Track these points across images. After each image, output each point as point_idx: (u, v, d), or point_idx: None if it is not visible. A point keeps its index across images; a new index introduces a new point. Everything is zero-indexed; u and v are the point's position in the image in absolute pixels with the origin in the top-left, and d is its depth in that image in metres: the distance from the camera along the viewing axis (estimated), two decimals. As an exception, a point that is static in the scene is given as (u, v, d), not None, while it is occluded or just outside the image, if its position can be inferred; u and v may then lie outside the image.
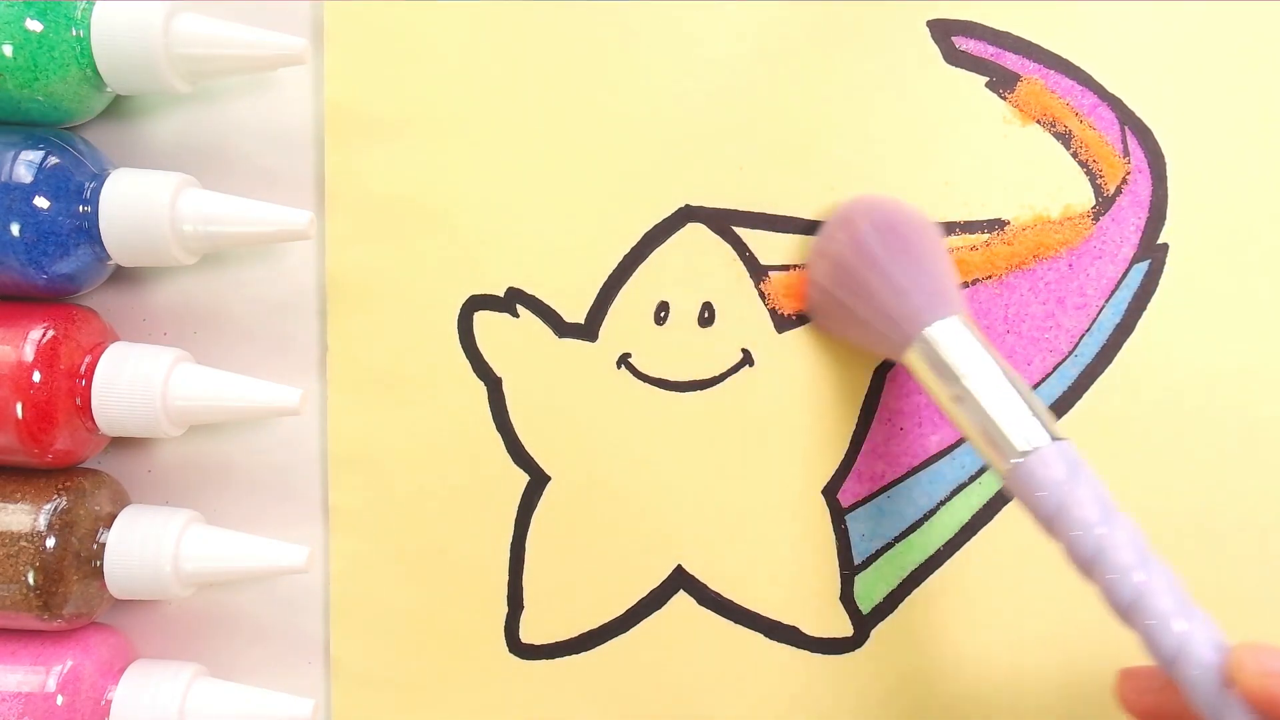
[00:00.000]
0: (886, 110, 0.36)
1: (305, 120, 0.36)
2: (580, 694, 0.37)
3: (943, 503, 0.36)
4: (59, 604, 0.33)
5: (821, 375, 0.36)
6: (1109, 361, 0.36)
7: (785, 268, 0.36)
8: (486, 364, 0.36)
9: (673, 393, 0.36)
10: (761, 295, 0.36)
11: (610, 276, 0.36)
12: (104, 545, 0.34)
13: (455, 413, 0.36)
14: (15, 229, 0.32)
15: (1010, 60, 0.36)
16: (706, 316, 0.36)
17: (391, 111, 0.36)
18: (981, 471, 0.36)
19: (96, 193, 0.33)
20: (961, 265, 0.36)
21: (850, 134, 0.36)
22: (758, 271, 0.36)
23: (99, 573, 0.33)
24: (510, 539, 0.36)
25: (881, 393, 0.36)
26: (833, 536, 0.36)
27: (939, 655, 0.36)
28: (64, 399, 0.33)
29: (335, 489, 0.36)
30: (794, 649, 0.37)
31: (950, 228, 0.36)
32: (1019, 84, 0.36)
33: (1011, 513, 0.36)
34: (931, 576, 0.37)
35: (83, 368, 0.33)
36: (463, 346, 0.36)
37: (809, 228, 0.36)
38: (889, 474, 0.36)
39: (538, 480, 0.36)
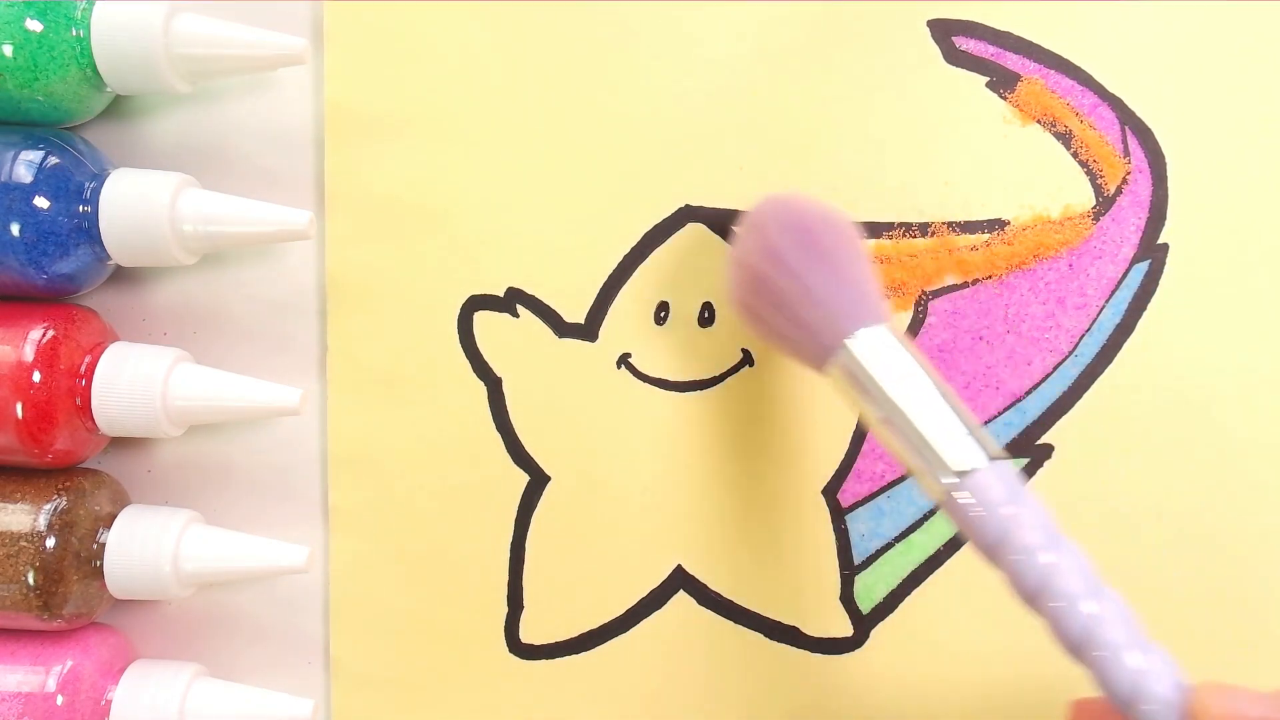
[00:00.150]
0: (886, 110, 0.36)
1: (305, 120, 0.36)
2: (580, 694, 0.37)
3: (943, 503, 0.36)
4: (59, 604, 0.33)
5: (821, 375, 0.36)
6: (1109, 361, 0.36)
7: (785, 268, 0.36)
8: (486, 364, 0.36)
9: (673, 393, 0.36)
10: (761, 295, 0.36)
11: (610, 276, 0.36)
12: (104, 545, 0.34)
13: (455, 413, 0.36)
14: (15, 229, 0.32)
15: (1010, 60, 0.36)
16: (706, 316, 0.36)
17: (391, 111, 0.36)
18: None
19: (96, 193, 0.33)
20: (961, 265, 0.36)
21: (850, 134, 0.36)
22: (758, 271, 0.36)
23: (99, 573, 0.33)
24: (510, 539, 0.36)
25: (881, 393, 0.36)
26: (833, 536, 0.36)
27: (939, 655, 0.36)
28: (64, 399, 0.33)
29: (335, 489, 0.36)
30: (794, 649, 0.37)
31: (950, 228, 0.36)
32: (1019, 84, 0.36)
33: (1011, 513, 0.36)
34: (931, 576, 0.36)
35: (83, 368, 0.33)
36: (463, 346, 0.36)
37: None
38: (889, 474, 0.36)
39: (538, 480, 0.36)
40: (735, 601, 0.36)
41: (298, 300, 0.36)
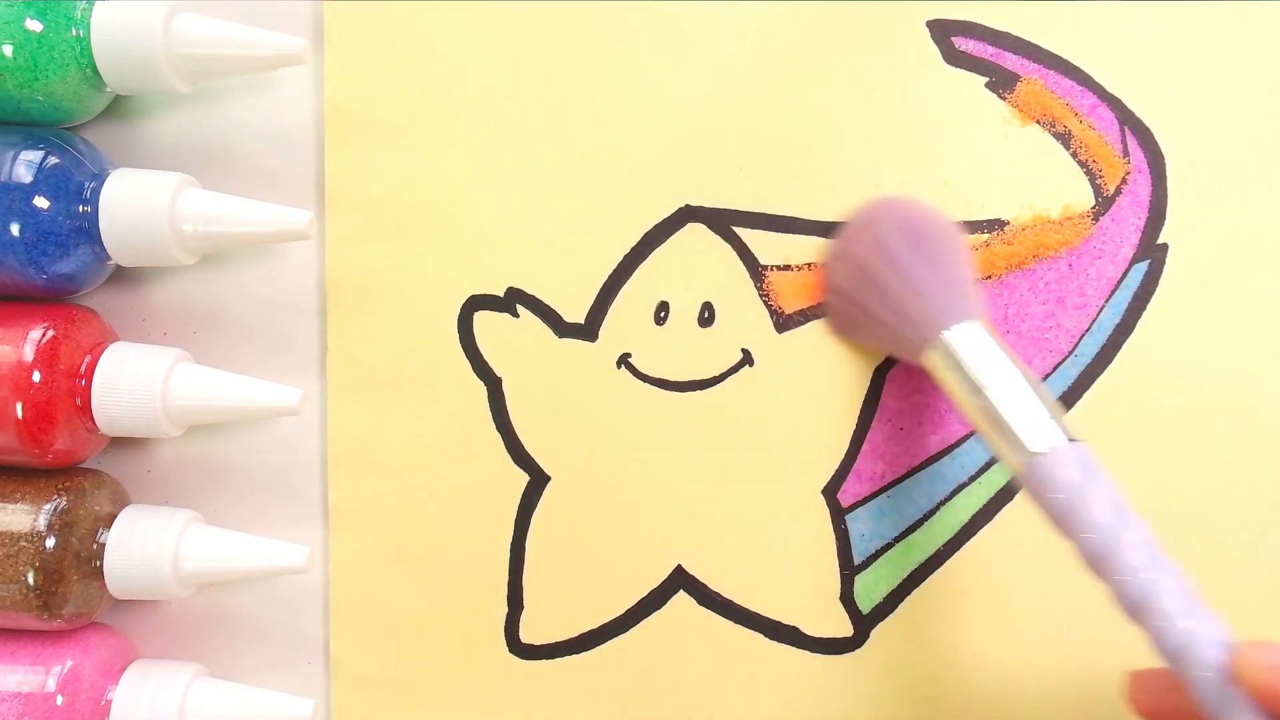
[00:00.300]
0: (886, 110, 0.36)
1: (305, 120, 0.36)
2: (580, 694, 0.37)
3: (943, 503, 0.36)
4: (59, 604, 0.33)
5: (821, 375, 0.36)
6: (1109, 361, 0.36)
7: (785, 268, 0.36)
8: (486, 364, 0.36)
9: (673, 393, 0.36)
10: (761, 295, 0.36)
11: (610, 276, 0.36)
12: (104, 545, 0.34)
13: (455, 413, 0.36)
14: (15, 229, 0.32)
15: (1010, 60, 0.36)
16: (706, 316, 0.36)
17: (391, 111, 0.36)
18: (982, 471, 0.36)
19: (96, 193, 0.33)
20: (961, 265, 0.36)
21: (850, 134, 0.36)
22: (758, 271, 0.36)
23: (99, 573, 0.33)
24: (510, 539, 0.36)
25: (881, 393, 0.36)
26: (833, 536, 0.36)
27: (939, 655, 0.36)
28: (64, 399, 0.33)
29: (335, 489, 0.36)
30: (794, 649, 0.37)
31: (950, 228, 0.36)
32: (1019, 84, 0.36)
33: (1012, 513, 0.36)
34: (931, 576, 0.36)
35: (83, 368, 0.33)
36: (463, 346, 0.36)
37: (809, 228, 0.36)
38: (889, 474, 0.36)
39: (538, 480, 0.36)
40: (735, 601, 0.37)
41: (298, 300, 0.36)
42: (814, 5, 0.36)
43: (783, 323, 0.36)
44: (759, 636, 0.37)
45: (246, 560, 0.34)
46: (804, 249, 0.36)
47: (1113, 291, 0.36)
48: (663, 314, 0.36)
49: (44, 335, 0.32)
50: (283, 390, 0.34)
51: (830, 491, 0.36)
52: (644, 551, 0.36)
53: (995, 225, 0.36)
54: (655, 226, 0.36)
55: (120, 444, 0.36)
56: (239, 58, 0.33)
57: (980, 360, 0.32)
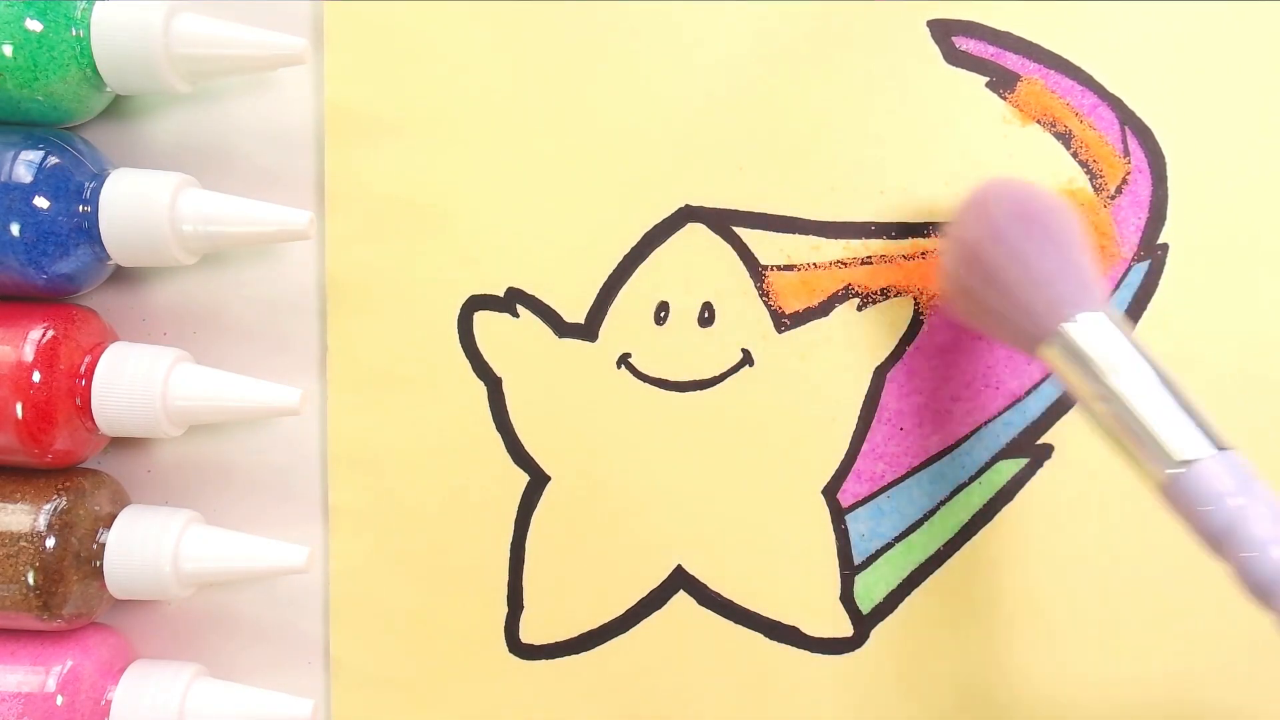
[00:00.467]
0: (886, 110, 0.36)
1: (305, 120, 0.36)
2: (580, 694, 0.37)
3: (943, 503, 0.36)
4: (59, 604, 0.33)
5: (821, 375, 0.36)
6: (1109, 361, 0.36)
7: (785, 268, 0.36)
8: (486, 364, 0.36)
9: (673, 393, 0.36)
10: (761, 295, 0.36)
11: (610, 276, 0.36)
12: (104, 545, 0.34)
13: (455, 413, 0.36)
14: (15, 229, 0.32)
15: (1010, 60, 0.36)
16: (706, 316, 0.36)
17: (391, 111, 0.36)
18: (982, 471, 0.36)
19: (96, 193, 0.33)
20: (962, 265, 0.36)
21: (850, 134, 0.36)
22: (758, 271, 0.36)
23: (99, 573, 0.33)
24: (510, 539, 0.36)
25: (881, 393, 0.36)
26: (833, 536, 0.36)
27: (939, 655, 0.36)
28: (64, 399, 0.33)
29: (335, 489, 0.36)
30: (794, 649, 0.37)
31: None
32: (1019, 84, 0.36)
33: (1012, 512, 0.36)
34: (931, 576, 0.36)
35: (83, 368, 0.33)
36: (463, 346, 0.36)
37: (809, 228, 0.36)
38: (889, 474, 0.36)
39: (538, 480, 0.36)
40: (735, 601, 0.36)
41: (298, 300, 0.36)
42: (814, 5, 0.36)
43: (783, 323, 0.36)
44: (759, 636, 0.37)
45: (246, 560, 0.34)
46: (804, 249, 0.36)
47: (1113, 291, 0.36)
48: (663, 314, 0.36)
49: (44, 335, 0.32)
50: (283, 390, 0.34)
51: (830, 491, 0.36)
52: (644, 551, 0.36)
53: (995, 225, 0.36)
54: (655, 226, 0.36)
55: (120, 444, 0.36)
56: (239, 58, 0.33)
57: (1108, 353, 0.29)
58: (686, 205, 0.36)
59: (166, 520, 0.34)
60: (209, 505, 0.36)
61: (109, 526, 0.34)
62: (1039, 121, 0.36)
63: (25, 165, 0.32)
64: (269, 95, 0.36)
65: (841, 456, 0.36)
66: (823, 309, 0.36)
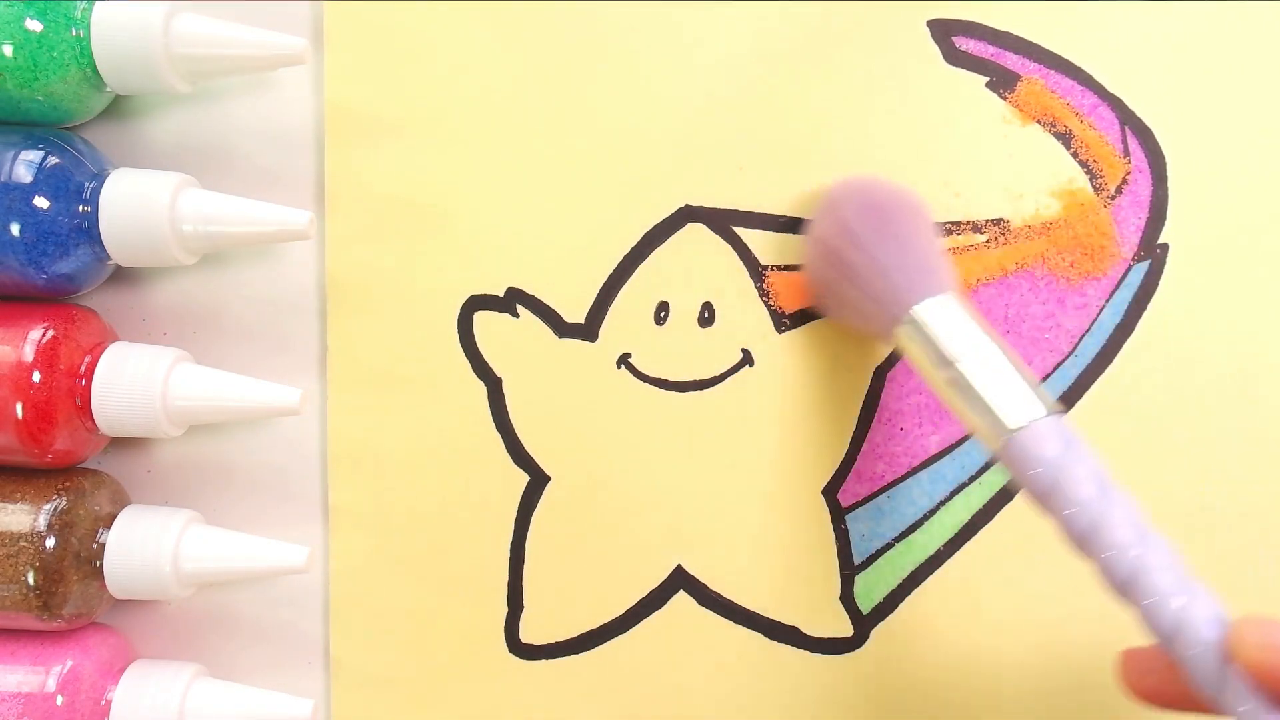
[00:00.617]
0: (886, 110, 0.36)
1: (305, 120, 0.36)
2: (580, 694, 0.37)
3: (943, 503, 0.36)
4: (59, 604, 0.33)
5: (821, 375, 0.36)
6: (1109, 361, 0.36)
7: (785, 268, 0.36)
8: (486, 364, 0.36)
9: (673, 393, 0.36)
10: (761, 295, 0.36)
11: (610, 276, 0.36)
12: (104, 545, 0.34)
13: (455, 413, 0.36)
14: (15, 229, 0.32)
15: (1010, 60, 0.36)
16: (706, 316, 0.36)
17: (391, 111, 0.36)
18: (982, 471, 0.36)
19: (96, 193, 0.33)
20: (961, 265, 0.36)
21: (850, 134, 0.36)
22: (758, 271, 0.36)
23: (99, 573, 0.33)
24: (510, 539, 0.36)
25: (881, 393, 0.36)
26: (833, 536, 0.36)
27: (939, 655, 0.36)
28: (64, 399, 0.33)
29: (335, 489, 0.36)
30: (794, 649, 0.37)
31: (950, 228, 0.36)
32: (1019, 84, 0.36)
33: (1011, 513, 0.36)
34: (931, 576, 0.36)
35: (83, 368, 0.33)
36: (463, 346, 0.36)
37: (809, 227, 0.36)
38: (889, 474, 0.36)
39: (538, 480, 0.36)
40: (735, 601, 0.36)
41: (298, 300, 0.36)
42: (814, 5, 0.36)
43: (783, 323, 0.36)
44: (759, 636, 0.37)
45: (246, 560, 0.34)
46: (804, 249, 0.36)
47: (1113, 291, 0.36)
48: (663, 314, 0.36)
49: (44, 335, 0.32)
50: (283, 390, 0.34)
51: (830, 491, 0.36)
52: (644, 551, 0.36)
53: (996, 225, 0.36)
54: (655, 226, 0.36)
55: (120, 444, 0.36)
56: (239, 58, 0.33)
57: (951, 334, 0.31)
58: (686, 205, 0.36)
59: (166, 520, 0.34)
60: (209, 505, 0.36)
61: (109, 526, 0.34)
62: (1039, 121, 0.36)
63: (25, 165, 0.32)
64: (269, 95, 0.36)
65: (841, 456, 0.36)
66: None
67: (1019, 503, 0.36)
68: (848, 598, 0.37)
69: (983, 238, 0.36)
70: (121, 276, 0.36)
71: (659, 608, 0.37)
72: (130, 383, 0.33)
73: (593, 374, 0.36)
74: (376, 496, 0.36)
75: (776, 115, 0.36)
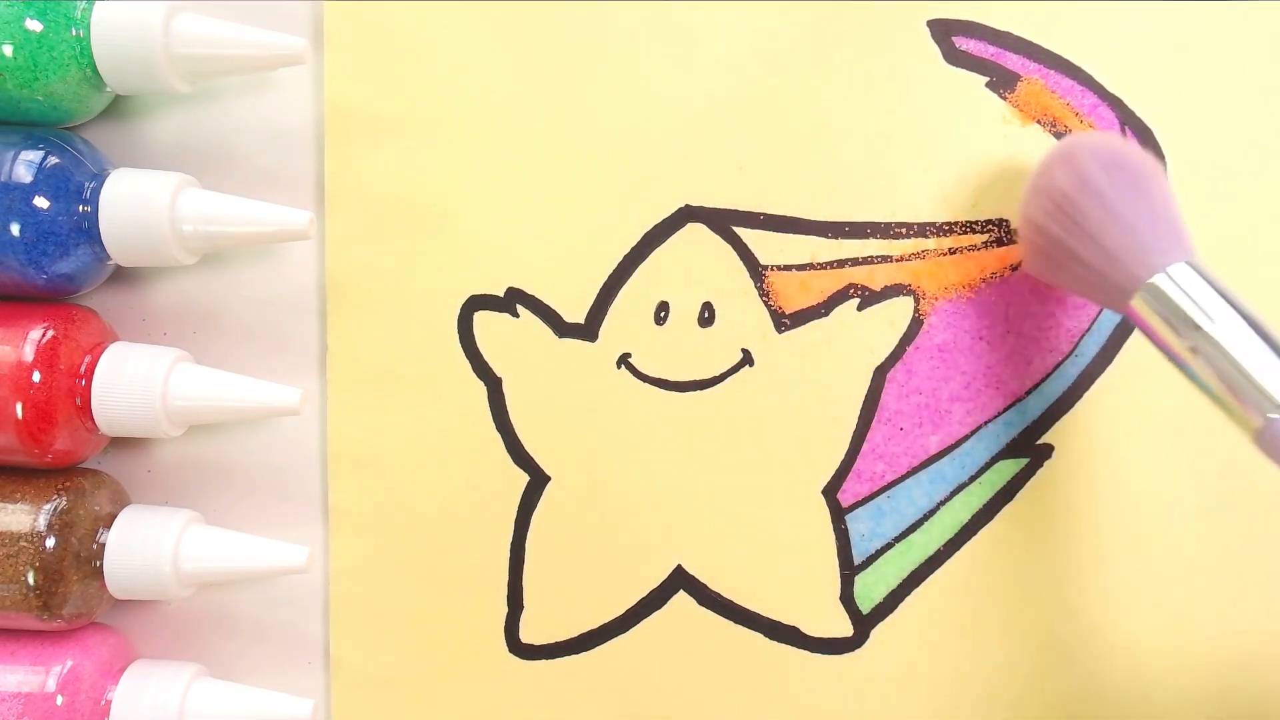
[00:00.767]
0: (886, 110, 0.36)
1: (305, 120, 0.36)
2: (580, 694, 0.37)
3: (943, 503, 0.36)
4: (59, 604, 0.33)
5: (821, 375, 0.36)
6: (1109, 361, 0.36)
7: (785, 268, 0.36)
8: (486, 364, 0.36)
9: (673, 393, 0.36)
10: (761, 295, 0.36)
11: (610, 276, 0.36)
12: (104, 545, 0.34)
13: (455, 413, 0.36)
14: (15, 229, 0.32)
15: (1010, 60, 0.36)
16: (706, 316, 0.36)
17: (391, 111, 0.36)
18: (982, 471, 0.36)
19: (96, 193, 0.33)
20: (962, 265, 0.36)
21: (850, 134, 0.36)
22: (758, 271, 0.36)
23: (99, 573, 0.33)
24: (510, 539, 0.36)
25: (881, 393, 0.36)
26: (833, 536, 0.36)
27: (939, 655, 0.36)
28: (64, 399, 0.33)
29: (335, 489, 0.36)
30: (794, 649, 0.37)
31: (950, 228, 0.36)
32: (1019, 84, 0.36)
33: (1012, 513, 0.36)
34: (931, 576, 0.36)
35: (83, 368, 0.33)
36: (463, 346, 0.36)
37: (809, 228, 0.36)
38: (889, 474, 0.36)
39: (538, 480, 0.36)
40: (735, 601, 0.36)
41: (298, 300, 0.36)
42: (814, 5, 0.36)
43: (783, 323, 0.36)
44: (759, 636, 0.37)
45: (246, 560, 0.34)
46: (804, 249, 0.36)
47: (1113, 291, 0.36)
48: (663, 314, 0.36)
49: (44, 335, 0.32)
50: (283, 390, 0.34)
51: (830, 491, 0.36)
52: (644, 551, 0.36)
53: (995, 225, 0.36)
54: (655, 226, 0.36)
55: (120, 444, 0.36)
56: (239, 58, 0.33)
57: (1201, 302, 0.29)
58: (686, 205, 0.36)
59: (166, 520, 0.34)
60: (209, 505, 0.36)
61: (109, 526, 0.34)
62: (1039, 121, 0.36)
63: (25, 165, 0.32)
64: (269, 95, 0.36)
65: (841, 456, 0.36)
66: (823, 309, 0.36)
67: (1019, 503, 0.36)
68: (848, 598, 0.37)
69: (983, 237, 0.36)
70: (121, 276, 0.36)
71: (659, 608, 0.37)
72: (130, 383, 0.33)
73: (593, 374, 0.36)
74: (376, 496, 0.36)
75: (776, 115, 0.36)
